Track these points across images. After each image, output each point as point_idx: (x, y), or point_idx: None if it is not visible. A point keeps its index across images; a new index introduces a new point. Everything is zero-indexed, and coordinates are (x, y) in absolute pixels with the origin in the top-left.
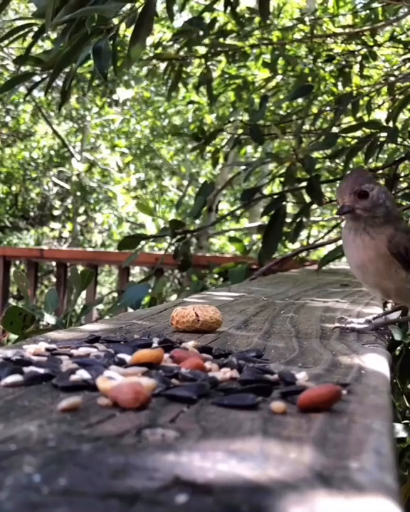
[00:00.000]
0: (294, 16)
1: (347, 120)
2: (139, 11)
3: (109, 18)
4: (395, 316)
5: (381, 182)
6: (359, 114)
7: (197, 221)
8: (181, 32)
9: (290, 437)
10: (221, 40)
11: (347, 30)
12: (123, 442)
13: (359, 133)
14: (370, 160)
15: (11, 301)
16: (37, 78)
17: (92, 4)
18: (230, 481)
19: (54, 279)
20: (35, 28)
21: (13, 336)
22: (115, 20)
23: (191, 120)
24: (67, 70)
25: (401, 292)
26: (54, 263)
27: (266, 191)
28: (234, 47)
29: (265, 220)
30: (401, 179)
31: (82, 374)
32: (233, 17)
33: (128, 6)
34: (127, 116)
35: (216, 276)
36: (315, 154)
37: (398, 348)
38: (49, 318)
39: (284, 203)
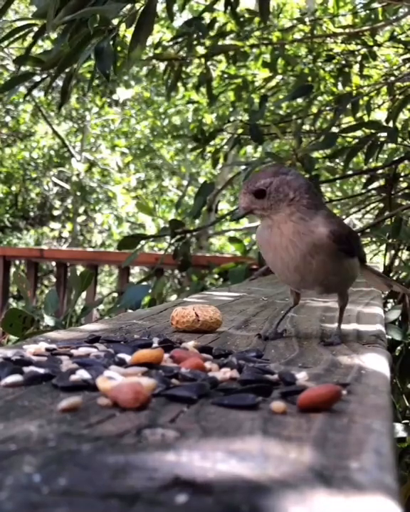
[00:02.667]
0: (294, 16)
1: (347, 120)
2: (140, 11)
3: (110, 18)
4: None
5: (381, 182)
6: (359, 114)
7: (197, 221)
8: (181, 34)
9: (290, 437)
10: (221, 40)
11: (346, 30)
12: (123, 442)
13: (359, 133)
14: (370, 160)
15: (11, 301)
16: (37, 78)
17: (92, 5)
18: (231, 481)
19: (54, 279)
20: (36, 29)
21: (13, 338)
22: (115, 21)
23: (191, 120)
24: (67, 70)
25: (346, 282)
26: (54, 263)
27: None
28: (234, 47)
29: None
30: (401, 179)
31: (82, 374)
32: (233, 17)
33: (128, 6)
34: (127, 116)
35: (216, 276)
36: (315, 154)
37: (398, 348)
38: (49, 320)
39: None
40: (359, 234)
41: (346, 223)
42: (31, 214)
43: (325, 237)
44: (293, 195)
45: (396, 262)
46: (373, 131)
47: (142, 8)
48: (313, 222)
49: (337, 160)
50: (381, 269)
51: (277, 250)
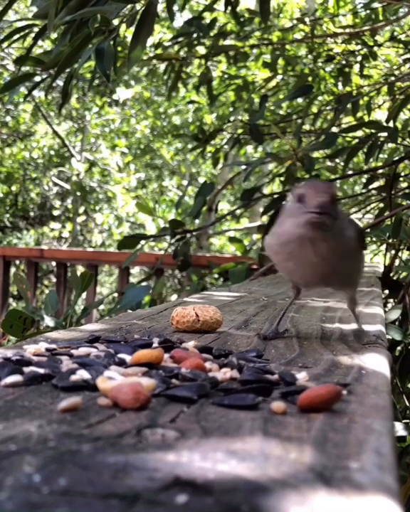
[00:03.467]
0: (294, 16)
1: (347, 120)
2: (141, 12)
3: (111, 19)
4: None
5: (381, 182)
6: (359, 114)
7: (197, 221)
8: (181, 34)
9: (290, 437)
10: (221, 40)
11: (347, 30)
12: (123, 442)
13: (359, 133)
14: (370, 160)
15: (11, 301)
16: (37, 78)
17: (92, 5)
18: (231, 481)
19: (54, 279)
20: (36, 29)
21: (13, 339)
22: (115, 21)
23: (191, 120)
24: (67, 70)
25: (356, 275)
26: (54, 263)
27: (266, 191)
28: (234, 47)
29: (265, 220)
30: (401, 179)
31: (83, 374)
32: (233, 17)
33: (128, 6)
34: (127, 116)
35: (216, 276)
36: (315, 154)
37: (398, 348)
38: (49, 321)
39: (284, 202)
40: None
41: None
42: (31, 214)
43: (354, 240)
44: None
45: (396, 262)
46: (373, 131)
47: (143, 9)
48: (348, 232)
49: (337, 160)
50: (381, 269)
51: (301, 262)
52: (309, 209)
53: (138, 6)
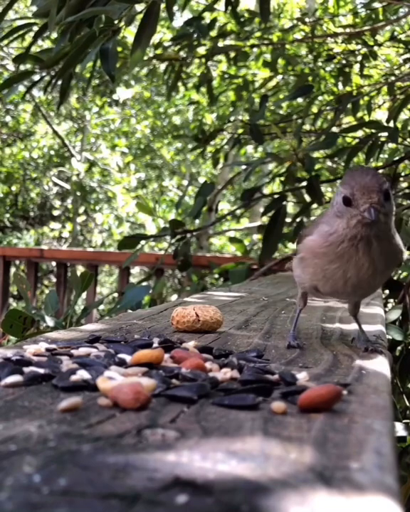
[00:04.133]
0: (294, 16)
1: (348, 120)
2: (143, 13)
3: (114, 19)
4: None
5: None
6: (359, 114)
7: (197, 221)
8: (182, 34)
9: (290, 437)
10: (221, 40)
11: (347, 30)
12: (123, 442)
13: (359, 133)
14: (371, 160)
15: (11, 301)
16: (36, 77)
17: (93, 4)
18: (231, 481)
19: (54, 279)
20: (35, 28)
21: (13, 339)
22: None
23: (191, 120)
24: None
25: (379, 286)
26: (54, 263)
27: (266, 191)
28: (234, 47)
29: (265, 220)
30: (401, 179)
31: (83, 374)
32: (234, 17)
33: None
34: (127, 116)
35: (216, 276)
36: (315, 154)
37: (399, 348)
38: (49, 321)
39: (284, 202)
40: None
41: None
42: (31, 214)
43: (403, 256)
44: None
45: None
46: (373, 131)
47: (145, 10)
48: (395, 242)
49: (337, 160)
50: None
51: (349, 265)
52: (361, 212)
53: (139, 7)
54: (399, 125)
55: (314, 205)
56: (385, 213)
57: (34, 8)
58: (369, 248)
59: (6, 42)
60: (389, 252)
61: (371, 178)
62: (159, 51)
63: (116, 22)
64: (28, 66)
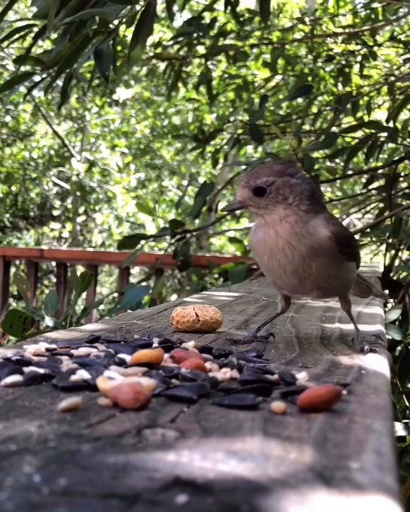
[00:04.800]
0: (294, 16)
1: (347, 120)
2: (140, 13)
3: (110, 20)
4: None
5: (381, 182)
6: (359, 114)
7: (197, 221)
8: (181, 33)
9: (290, 437)
10: (221, 40)
11: (347, 30)
12: (123, 442)
13: (359, 133)
14: (370, 160)
15: (11, 301)
16: (37, 78)
17: (92, 6)
18: (231, 481)
19: (54, 279)
20: (36, 29)
21: (13, 339)
22: (115, 22)
23: (191, 120)
24: (67, 70)
25: (345, 286)
26: (54, 263)
27: None
28: (234, 47)
29: None
30: (401, 179)
31: (83, 374)
32: (233, 17)
33: (128, 6)
34: (127, 116)
35: (216, 276)
36: (315, 154)
37: (398, 348)
38: (49, 321)
39: None
40: (358, 235)
41: (346, 227)
42: (31, 214)
43: (327, 238)
44: (292, 200)
45: (396, 262)
46: (373, 131)
47: (142, 10)
48: (312, 224)
49: (337, 160)
50: (381, 269)
51: (273, 252)
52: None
53: (137, 7)
54: (399, 125)
55: None
56: (256, 206)
57: (34, 9)
58: (275, 231)
59: (6, 43)
60: (302, 233)
61: (253, 172)
62: (158, 50)
63: (115, 22)
64: (29, 67)
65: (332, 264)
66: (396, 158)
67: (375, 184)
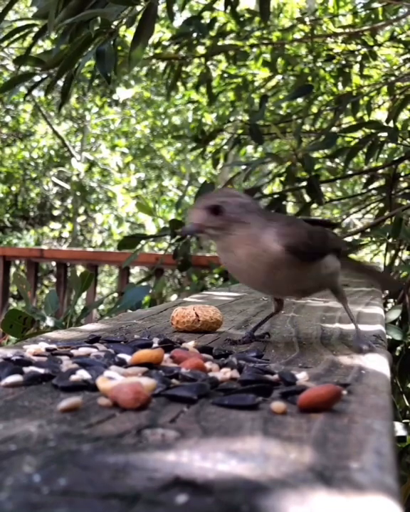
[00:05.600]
0: (294, 16)
1: (347, 120)
2: (141, 13)
3: (111, 21)
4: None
5: (381, 182)
6: (359, 114)
7: None
8: (181, 33)
9: (290, 437)
10: (221, 40)
11: (347, 30)
12: (123, 442)
13: (359, 133)
14: (370, 160)
15: (11, 301)
16: (37, 78)
17: (92, 6)
18: (231, 481)
19: (54, 279)
20: (36, 29)
21: (13, 339)
22: (115, 22)
23: (191, 120)
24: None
25: (327, 281)
26: (54, 263)
27: (266, 191)
28: (234, 47)
29: None
30: (401, 179)
31: (83, 374)
32: (233, 17)
33: (129, 7)
34: (127, 116)
35: (216, 276)
36: (315, 154)
37: (398, 348)
38: (49, 321)
39: (284, 202)
40: (358, 235)
41: (303, 226)
42: (31, 214)
43: (280, 253)
44: (247, 219)
45: (396, 262)
46: (373, 131)
47: (144, 10)
48: (265, 241)
49: (337, 160)
50: (381, 269)
51: (241, 272)
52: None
53: (138, 7)
54: (399, 125)
55: (314, 205)
56: (214, 227)
57: (34, 9)
58: (235, 255)
59: (6, 43)
60: (258, 253)
61: (204, 198)
62: (158, 50)
63: (115, 23)
64: (29, 67)
65: (297, 271)
66: (396, 158)
67: (375, 184)
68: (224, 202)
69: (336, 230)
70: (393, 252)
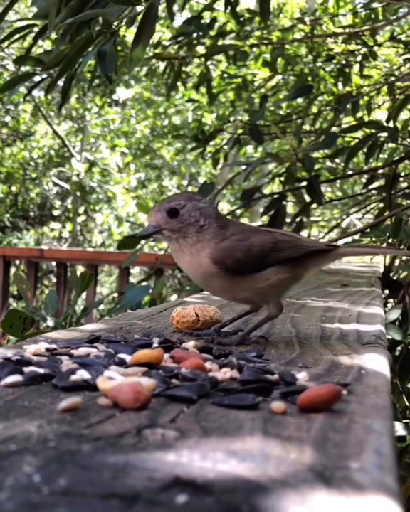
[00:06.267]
0: (294, 16)
1: (347, 120)
2: (142, 13)
3: (112, 21)
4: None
5: (381, 182)
6: (359, 114)
7: None
8: (181, 33)
9: (290, 437)
10: (221, 40)
11: (347, 30)
12: (123, 442)
13: (359, 133)
14: (370, 160)
15: (11, 301)
16: (37, 78)
17: (92, 6)
18: (231, 481)
19: (54, 279)
20: (36, 29)
21: (13, 339)
22: (116, 23)
23: (191, 120)
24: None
25: (267, 294)
26: (54, 263)
27: (266, 191)
28: (234, 46)
29: (265, 220)
30: (401, 179)
31: (83, 374)
32: (233, 17)
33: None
34: (127, 116)
35: None
36: (315, 154)
37: (399, 348)
38: (49, 321)
39: (284, 202)
40: (358, 235)
41: (243, 239)
42: (31, 214)
43: (208, 266)
44: (203, 223)
45: (397, 262)
46: (373, 131)
47: (144, 11)
48: (202, 254)
49: (337, 160)
50: (381, 269)
51: (189, 275)
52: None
53: (139, 7)
54: (399, 125)
55: (314, 205)
56: (170, 229)
57: (34, 9)
58: (183, 261)
59: (6, 43)
60: (197, 262)
61: (160, 203)
62: (158, 50)
63: (115, 23)
64: (29, 67)
65: (228, 283)
66: (396, 158)
67: (375, 184)
68: (181, 205)
69: (336, 230)
70: None
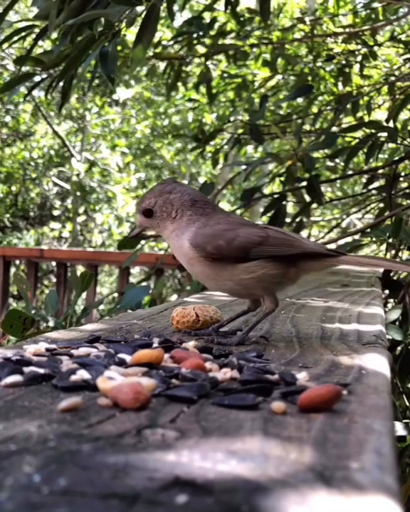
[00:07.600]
0: (294, 16)
1: (347, 120)
2: (144, 14)
3: (114, 22)
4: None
5: (382, 182)
6: (359, 114)
7: None
8: (181, 33)
9: (290, 437)
10: (221, 39)
11: (347, 29)
12: (123, 442)
13: (359, 133)
14: (370, 160)
15: (11, 301)
16: (37, 78)
17: (93, 7)
18: (231, 481)
19: (54, 279)
20: (36, 30)
21: (13, 339)
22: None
23: (191, 120)
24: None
25: (254, 287)
26: (54, 263)
27: (266, 191)
28: (234, 46)
29: (265, 220)
30: (401, 179)
31: (83, 374)
32: (233, 16)
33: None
34: (127, 116)
35: None
36: (315, 154)
37: (399, 348)
38: (49, 321)
39: (284, 202)
40: (358, 235)
41: (227, 228)
42: (31, 214)
43: (188, 249)
44: (175, 214)
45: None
46: (373, 131)
47: (146, 11)
48: (184, 237)
49: (337, 160)
50: (381, 270)
51: (180, 260)
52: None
53: (139, 8)
54: (399, 125)
55: (314, 205)
56: (151, 227)
57: (35, 9)
58: (161, 235)
59: (7, 44)
60: (178, 247)
61: (144, 195)
62: (158, 50)
63: (116, 24)
64: (29, 68)
65: (209, 270)
66: (396, 158)
67: (375, 184)
68: (154, 204)
69: (336, 230)
70: (393, 252)
